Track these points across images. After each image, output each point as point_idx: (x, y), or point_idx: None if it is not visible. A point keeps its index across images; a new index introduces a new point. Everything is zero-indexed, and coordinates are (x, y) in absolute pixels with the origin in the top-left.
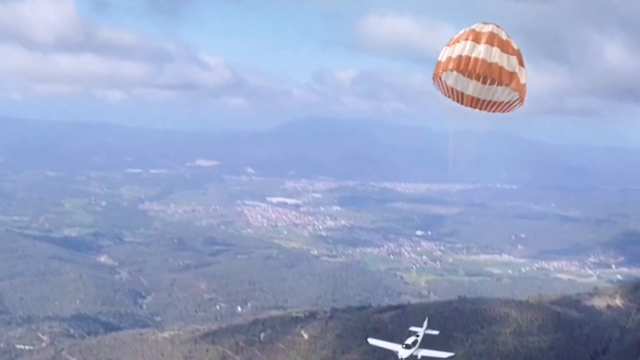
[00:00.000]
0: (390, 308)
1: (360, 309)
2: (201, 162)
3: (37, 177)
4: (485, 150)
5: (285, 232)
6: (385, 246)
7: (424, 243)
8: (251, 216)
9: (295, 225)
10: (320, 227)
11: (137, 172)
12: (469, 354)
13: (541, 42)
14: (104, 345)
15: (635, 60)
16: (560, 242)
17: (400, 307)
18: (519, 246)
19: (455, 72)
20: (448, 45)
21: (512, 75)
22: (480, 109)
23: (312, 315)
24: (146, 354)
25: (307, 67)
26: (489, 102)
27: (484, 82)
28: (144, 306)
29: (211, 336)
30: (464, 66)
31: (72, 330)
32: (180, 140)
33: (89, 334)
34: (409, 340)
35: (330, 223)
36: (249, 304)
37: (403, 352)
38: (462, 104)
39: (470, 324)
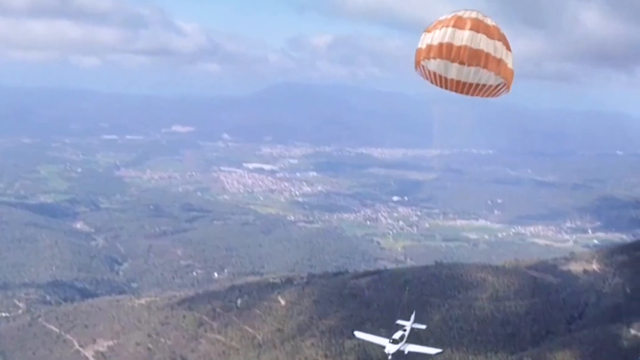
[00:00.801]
0: (367, 273)
1: (337, 274)
2: (177, 128)
3: (12, 143)
4: (462, 115)
5: (261, 198)
6: (362, 212)
7: (400, 208)
8: (227, 182)
9: (272, 191)
10: (297, 192)
11: (113, 138)
12: (446, 319)
13: (518, 7)
14: (80, 311)
15: (612, 26)
16: (536, 207)
17: (377, 272)
18: (496, 211)
19: (437, 59)
20: (427, 32)
21: (500, 62)
22: (464, 92)
23: (289, 281)
24: (122, 321)
25: (283, 32)
26: (474, 85)
27: (469, 66)
28: (120, 273)
29: (188, 302)
30: (446, 54)
31: (48, 297)
32: (156, 106)
33: (65, 300)
34: (396, 335)
35: (307, 189)
36: (225, 270)
37: (390, 347)
38: (445, 88)
39: (447, 289)
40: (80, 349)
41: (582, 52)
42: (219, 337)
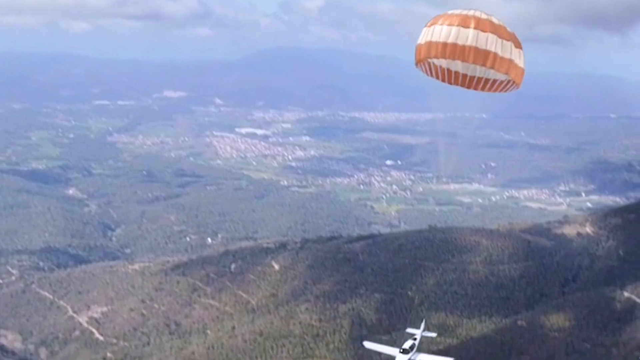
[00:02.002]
0: (360, 238)
1: (330, 239)
2: (169, 93)
3: (3, 109)
4: None
5: (254, 163)
6: (355, 176)
7: (393, 172)
8: (220, 147)
9: (265, 156)
10: (290, 157)
11: (104, 103)
12: (440, 282)
13: None
14: (73, 278)
15: None
16: (530, 171)
17: (370, 236)
18: (489, 175)
19: (441, 59)
20: (428, 27)
21: (509, 62)
22: (470, 87)
23: (283, 246)
24: (116, 286)
25: None
26: (482, 81)
27: (475, 65)
28: (114, 238)
29: (181, 268)
30: (450, 54)
31: (41, 264)
32: (147, 71)
33: (58, 266)
34: (407, 344)
35: (300, 153)
36: (219, 236)
37: (400, 357)
38: (450, 83)
39: (440, 253)
40: (74, 315)
41: (576, 15)
42: (212, 302)
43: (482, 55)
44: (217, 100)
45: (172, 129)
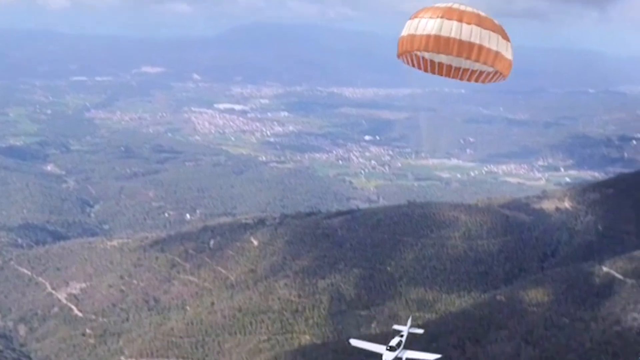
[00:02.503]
0: (339, 213)
1: (309, 214)
2: (147, 69)
3: None
4: None
5: (233, 139)
6: (334, 151)
7: (372, 148)
8: (198, 123)
9: (243, 131)
10: (268, 133)
11: (82, 79)
12: (419, 258)
13: None
14: (52, 254)
15: None
16: (509, 146)
17: (349, 212)
18: (468, 150)
19: (424, 53)
20: (411, 19)
21: (496, 54)
22: (456, 78)
23: (261, 222)
24: (95, 263)
25: None
26: (467, 70)
27: (459, 58)
28: (92, 215)
29: (160, 244)
30: (433, 47)
31: (19, 240)
32: (125, 47)
33: (37, 243)
34: (393, 342)
35: (278, 129)
36: (197, 211)
37: (387, 355)
38: (433, 73)
39: (419, 228)
40: (53, 292)
41: None
42: (191, 278)
43: (466, 48)
44: (195, 76)
45: (150, 105)
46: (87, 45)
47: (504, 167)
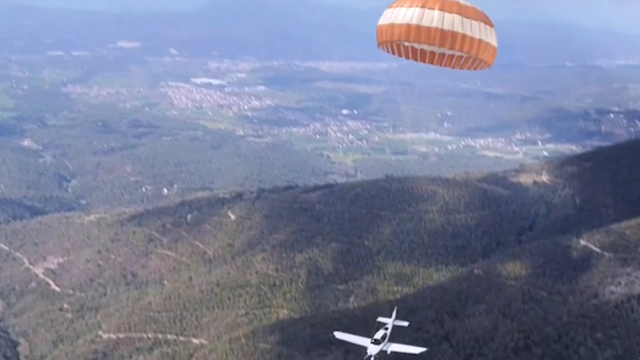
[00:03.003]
0: (317, 188)
1: (287, 189)
2: (123, 44)
3: None
4: None
5: (210, 113)
6: (311, 126)
7: (350, 122)
8: (175, 97)
9: (220, 106)
10: (246, 107)
11: (58, 54)
12: (397, 232)
13: None
14: (29, 229)
15: None
16: (486, 120)
17: (327, 186)
18: (446, 124)
19: (405, 43)
20: (391, 8)
21: (479, 42)
22: (439, 65)
23: (239, 196)
24: (72, 238)
25: None
26: (452, 57)
27: (442, 48)
28: (69, 189)
29: (137, 218)
30: (414, 37)
31: None
32: (101, 22)
33: (14, 218)
34: (378, 335)
35: (256, 103)
36: (175, 186)
37: (372, 348)
38: (415, 60)
39: (397, 202)
40: (30, 267)
41: None
42: (169, 252)
43: (449, 37)
44: (172, 51)
45: (127, 80)
46: (64, 19)
47: (481, 140)
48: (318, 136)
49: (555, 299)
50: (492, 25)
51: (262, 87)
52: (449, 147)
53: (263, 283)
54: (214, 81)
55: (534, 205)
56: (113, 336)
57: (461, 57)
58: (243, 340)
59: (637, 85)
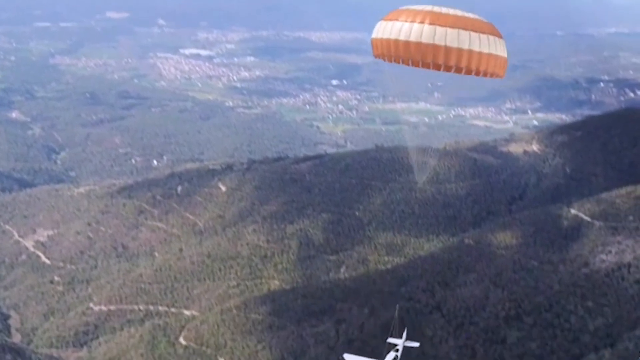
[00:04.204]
0: (307, 158)
1: (277, 159)
2: (111, 15)
3: None
4: None
5: (199, 84)
6: (301, 96)
7: (339, 92)
8: (164, 68)
9: (210, 76)
10: (235, 78)
11: (46, 25)
12: (387, 202)
13: None
14: (18, 201)
15: None
16: (476, 89)
17: (317, 157)
18: (436, 94)
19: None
20: (389, 20)
21: (489, 57)
22: (448, 71)
23: (229, 167)
24: (62, 210)
25: None
26: (461, 69)
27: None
28: (58, 162)
29: (127, 190)
30: (414, 54)
31: None
32: None
33: (3, 190)
34: (389, 357)
35: (245, 74)
36: (164, 157)
37: None
38: (417, 67)
39: (387, 172)
40: (20, 239)
41: None
42: (159, 224)
43: (454, 54)
44: (160, 21)
45: (115, 51)
46: None
47: (471, 110)
48: (308, 107)
49: (546, 268)
50: (500, 37)
51: (252, 58)
52: (439, 117)
53: (254, 254)
54: (203, 52)
55: (525, 175)
56: (104, 308)
57: (471, 70)
58: (234, 311)
59: (628, 54)
